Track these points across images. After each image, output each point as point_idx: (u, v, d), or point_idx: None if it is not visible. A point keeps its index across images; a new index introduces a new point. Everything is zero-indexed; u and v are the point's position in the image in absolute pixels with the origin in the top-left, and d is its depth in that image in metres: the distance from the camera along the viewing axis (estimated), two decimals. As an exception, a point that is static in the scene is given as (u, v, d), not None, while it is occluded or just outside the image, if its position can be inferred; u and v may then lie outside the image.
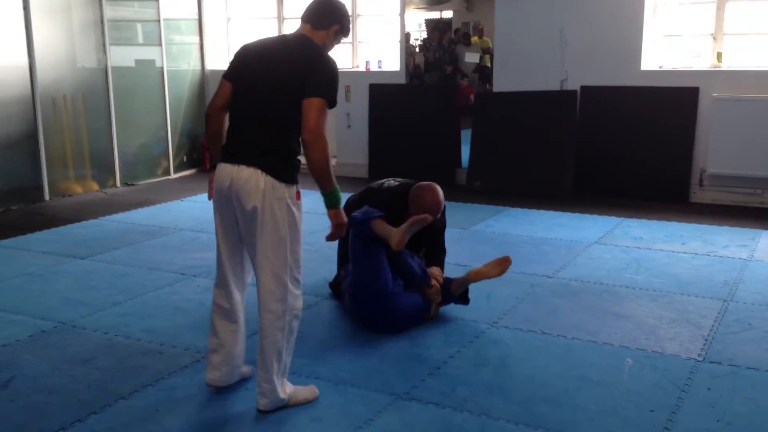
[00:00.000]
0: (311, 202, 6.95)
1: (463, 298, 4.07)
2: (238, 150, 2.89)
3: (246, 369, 3.26)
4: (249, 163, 2.84)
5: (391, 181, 4.26)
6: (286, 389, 3.02)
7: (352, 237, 3.75)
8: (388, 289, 3.73)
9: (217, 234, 3.03)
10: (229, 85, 2.99)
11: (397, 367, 3.42)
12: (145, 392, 3.18)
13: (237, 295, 3.09)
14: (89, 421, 2.93)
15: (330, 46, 3.03)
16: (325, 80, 2.83)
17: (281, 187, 2.84)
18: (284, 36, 3.09)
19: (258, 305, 2.96)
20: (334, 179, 2.85)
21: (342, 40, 3.10)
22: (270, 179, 2.82)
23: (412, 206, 3.92)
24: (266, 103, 2.87)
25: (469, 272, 4.03)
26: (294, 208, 2.88)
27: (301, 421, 2.94)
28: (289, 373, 3.27)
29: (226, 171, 2.89)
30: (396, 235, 3.58)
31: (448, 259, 4.30)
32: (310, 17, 2.99)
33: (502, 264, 4.00)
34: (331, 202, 2.89)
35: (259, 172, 2.82)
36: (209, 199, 3.09)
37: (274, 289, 2.88)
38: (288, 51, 2.92)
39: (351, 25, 3.10)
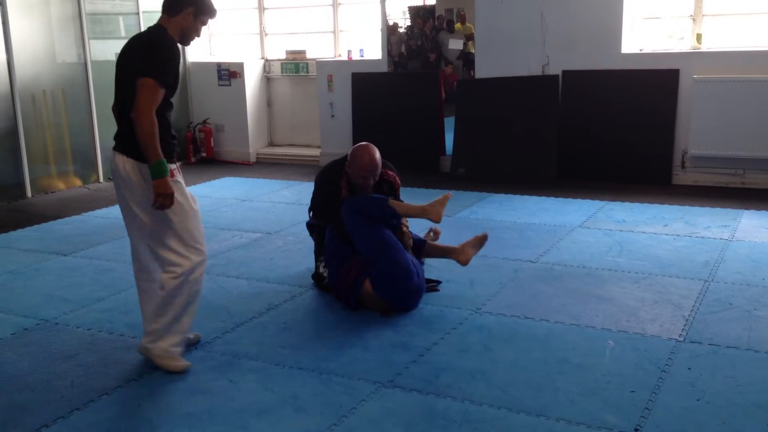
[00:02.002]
0: (294, 193, 6.97)
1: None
2: (115, 139, 3.17)
3: (192, 335, 3.49)
4: (119, 150, 3.12)
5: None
6: (167, 345, 3.22)
7: (360, 233, 3.87)
8: (412, 265, 3.91)
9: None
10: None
11: (381, 355, 3.43)
12: (129, 387, 3.18)
13: (145, 260, 3.32)
14: (72, 417, 2.93)
15: (194, 30, 3.17)
16: (155, 61, 2.99)
17: (147, 168, 3.05)
18: (146, 29, 3.24)
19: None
20: (160, 153, 3.02)
21: (208, 22, 3.22)
22: (134, 162, 3.08)
23: (350, 166, 4.03)
24: (121, 92, 3.11)
25: (456, 248, 4.23)
26: (170, 184, 3.07)
27: (286, 411, 2.95)
28: (273, 364, 3.31)
29: (111, 159, 3.19)
30: (433, 210, 3.87)
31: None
32: (164, 5, 3.14)
33: (481, 242, 4.25)
34: (154, 173, 3.07)
35: (125, 157, 3.09)
36: None
37: (165, 256, 3.16)
38: (135, 42, 3.13)
39: (209, 4, 3.19)
